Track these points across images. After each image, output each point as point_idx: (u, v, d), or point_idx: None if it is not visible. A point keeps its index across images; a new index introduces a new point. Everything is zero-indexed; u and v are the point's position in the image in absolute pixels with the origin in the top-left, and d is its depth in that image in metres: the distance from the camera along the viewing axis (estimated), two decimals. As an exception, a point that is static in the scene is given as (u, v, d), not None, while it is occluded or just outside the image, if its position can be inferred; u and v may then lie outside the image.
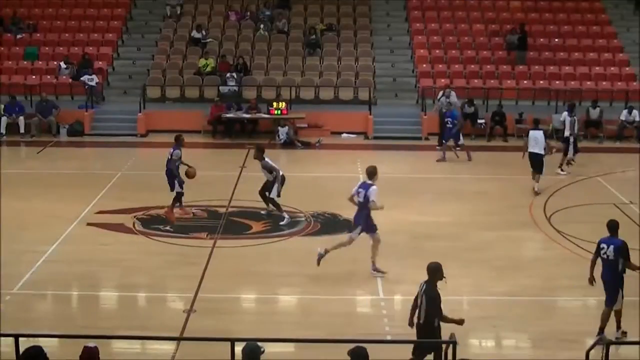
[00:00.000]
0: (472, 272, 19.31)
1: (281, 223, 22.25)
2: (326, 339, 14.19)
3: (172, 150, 22.87)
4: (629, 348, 14.94)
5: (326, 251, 18.79)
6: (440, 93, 32.10)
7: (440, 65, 37.15)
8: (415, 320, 13.65)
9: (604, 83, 36.64)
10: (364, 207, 18.84)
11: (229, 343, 11.89)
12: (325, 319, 16.66)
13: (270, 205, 22.71)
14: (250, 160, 28.58)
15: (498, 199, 25.27)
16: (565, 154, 28.18)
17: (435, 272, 13.67)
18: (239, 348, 11.07)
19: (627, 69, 37.50)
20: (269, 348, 11.40)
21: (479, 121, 33.36)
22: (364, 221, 18.88)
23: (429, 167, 29.78)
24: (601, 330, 15.67)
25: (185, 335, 15.72)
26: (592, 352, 12.98)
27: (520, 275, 19.20)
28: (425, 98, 34.02)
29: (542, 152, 25.76)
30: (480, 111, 33.68)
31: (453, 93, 31.73)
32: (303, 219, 22.81)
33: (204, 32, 38.35)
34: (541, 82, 36.48)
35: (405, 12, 40.84)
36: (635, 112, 33.54)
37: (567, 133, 28.36)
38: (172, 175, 22.71)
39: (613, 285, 15.82)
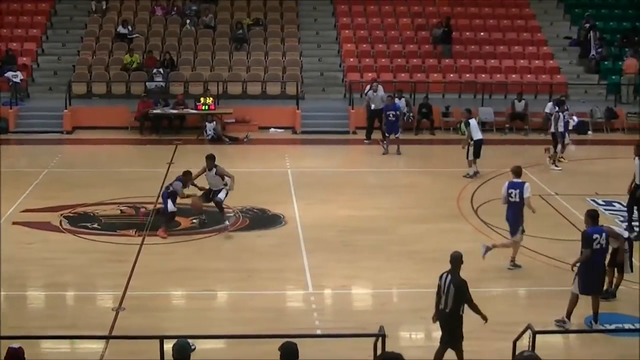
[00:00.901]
0: (401, 265, 19.46)
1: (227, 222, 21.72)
2: (257, 335, 14.19)
3: (173, 181, 21.63)
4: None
5: (494, 246, 19.20)
6: (368, 87, 32.21)
7: (367, 60, 37.28)
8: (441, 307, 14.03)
9: (528, 76, 37.11)
10: (519, 206, 19.03)
11: (158, 341, 11.83)
12: (256, 315, 16.63)
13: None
14: (178, 157, 28.56)
15: (426, 192, 25.45)
16: (556, 149, 28.71)
17: (458, 260, 14.12)
18: (168, 345, 11.01)
19: (551, 62, 38.01)
20: (199, 345, 11.37)
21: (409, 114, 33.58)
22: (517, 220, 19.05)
23: (357, 161, 29.94)
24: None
25: (114, 333, 15.60)
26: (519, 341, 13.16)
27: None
28: (352, 92, 34.10)
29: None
30: (407, 104, 33.86)
31: (380, 87, 31.86)
32: (232, 214, 22.71)
33: (130, 28, 38.03)
34: (467, 75, 36.83)
35: (332, 7, 40.90)
36: (559, 104, 33.99)
37: (552, 129, 28.72)
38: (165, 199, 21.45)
39: (604, 272, 16.25)
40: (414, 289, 18.17)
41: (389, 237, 21.16)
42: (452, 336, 13.94)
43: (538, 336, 12.77)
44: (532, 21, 40.48)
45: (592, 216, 16.21)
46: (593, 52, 38.23)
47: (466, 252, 20.06)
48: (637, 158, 21.50)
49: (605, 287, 17.53)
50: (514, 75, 37.06)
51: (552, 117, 28.88)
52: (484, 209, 23.68)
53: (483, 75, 36.85)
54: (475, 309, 13.99)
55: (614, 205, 24.13)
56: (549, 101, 34.06)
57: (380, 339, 12.33)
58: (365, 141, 31.65)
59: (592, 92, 37.05)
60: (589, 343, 15.69)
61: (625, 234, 17.68)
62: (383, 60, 37.31)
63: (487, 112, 34.06)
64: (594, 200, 24.54)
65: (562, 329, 15.94)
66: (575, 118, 34.21)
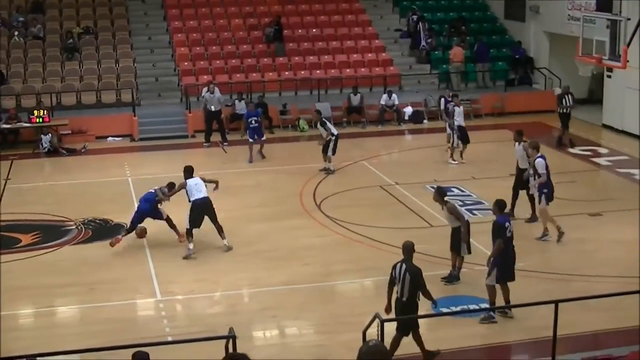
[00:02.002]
0: (249, 265, 19.50)
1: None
2: (106, 347, 13.95)
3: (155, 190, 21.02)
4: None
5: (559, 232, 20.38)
6: (205, 89, 32.08)
7: (202, 62, 37.13)
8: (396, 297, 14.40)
9: (362, 70, 37.61)
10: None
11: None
12: (105, 327, 16.42)
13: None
14: (15, 172, 27.86)
15: (268, 191, 25.54)
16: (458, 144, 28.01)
17: (410, 249, 14.38)
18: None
19: (383, 54, 38.63)
20: (48, 362, 11.15)
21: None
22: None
23: (197, 164, 29.53)
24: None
25: (-44, 359, 15.14)
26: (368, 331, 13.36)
27: (296, 264, 19.51)
28: (188, 96, 33.91)
29: None
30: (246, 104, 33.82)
31: (217, 89, 31.80)
32: (73, 227, 22.33)
33: (-46, 43, 36.88)
34: (302, 72, 37.08)
35: (163, 11, 40.54)
36: (394, 96, 34.59)
37: (459, 122, 27.78)
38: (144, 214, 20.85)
39: (514, 258, 16.48)
40: (263, 288, 18.25)
41: (234, 238, 21.11)
42: (407, 324, 14.25)
43: (387, 324, 13.01)
44: (362, 15, 41.07)
45: (500, 205, 16.51)
46: (423, 42, 39.04)
47: (312, 248, 20.51)
48: (516, 144, 22.04)
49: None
50: (348, 70, 37.52)
51: (447, 111, 29.04)
52: (327, 203, 23.94)
53: (318, 72, 37.17)
54: (428, 295, 14.44)
55: (452, 191, 24.71)
56: (384, 93, 34.71)
57: (230, 340, 12.33)
58: (204, 144, 31.51)
59: (425, 82, 37.88)
60: (435, 327, 16.06)
61: (466, 216, 18.17)
62: (218, 62, 37.22)
63: (324, 107, 34.28)
64: (433, 187, 25.02)
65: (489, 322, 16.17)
66: (410, 108, 34.96)
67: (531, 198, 21.81)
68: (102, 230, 22.07)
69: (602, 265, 18.86)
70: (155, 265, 19.47)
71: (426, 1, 42.35)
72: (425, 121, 35.00)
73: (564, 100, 30.19)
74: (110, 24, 39.22)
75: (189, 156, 30.83)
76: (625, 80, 31.80)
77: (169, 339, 15.52)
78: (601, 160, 28.67)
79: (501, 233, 15.98)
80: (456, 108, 28.03)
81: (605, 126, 33.41)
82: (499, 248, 15.95)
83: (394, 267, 14.38)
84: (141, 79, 36.36)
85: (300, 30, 39.35)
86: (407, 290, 14.15)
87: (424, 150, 30.53)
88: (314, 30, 39.54)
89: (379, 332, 12.78)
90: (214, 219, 20.34)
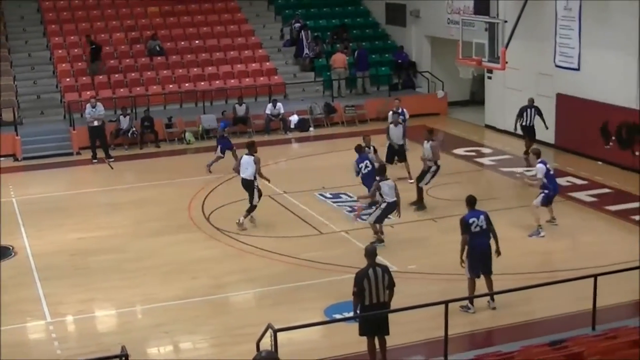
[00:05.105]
0: (139, 281, 19.31)
1: None
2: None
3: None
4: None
5: None
6: (88, 106, 31.65)
7: (84, 78, 36.60)
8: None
9: (247, 80, 37.56)
10: None
11: None
12: (-7, 352, 16.09)
13: None
14: None
15: (156, 205, 25.31)
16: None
17: (374, 252, 14.43)
18: None
19: (267, 64, 38.66)
20: None
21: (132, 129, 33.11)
22: None
23: (84, 181, 29.37)
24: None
25: None
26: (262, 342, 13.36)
27: (186, 277, 19.39)
28: (72, 112, 33.41)
29: None
30: (130, 119, 33.46)
31: (99, 104, 31.41)
32: (-43, 251, 21.81)
33: None
34: (186, 84, 36.87)
35: (42, 27, 39.89)
36: (279, 105, 34.61)
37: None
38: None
39: (491, 252, 16.87)
40: (154, 304, 18.09)
41: (123, 255, 20.92)
42: (387, 326, 14.31)
43: (281, 334, 13.02)
44: (245, 25, 41.04)
45: (469, 202, 17.10)
46: (306, 50, 39.22)
47: (202, 260, 20.43)
48: (425, 142, 22.97)
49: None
50: (232, 80, 37.42)
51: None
52: (216, 215, 23.84)
53: (202, 83, 37.01)
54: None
55: (341, 197, 24.91)
56: (269, 102, 34.74)
57: (123, 359, 12.21)
58: (93, 161, 31.04)
59: (310, 90, 38.07)
60: (329, 334, 16.12)
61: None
62: (100, 77, 36.75)
63: (209, 119, 34.23)
64: (321, 195, 25.21)
65: (467, 312, 16.72)
66: (295, 116, 35.06)
67: None
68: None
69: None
70: (44, 287, 19.09)
71: (308, 9, 42.56)
72: (311, 129, 35.15)
73: (525, 114, 28.89)
74: (-13, 41, 38.44)
75: (76, 173, 30.47)
76: (505, 81, 32.46)
77: (61, 361, 15.31)
78: (485, 160, 29.22)
79: (465, 229, 16.63)
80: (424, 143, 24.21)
81: (487, 126, 34.06)
82: (462, 243, 16.65)
83: (365, 275, 14.01)
84: (22, 97, 35.67)
85: (183, 42, 39.13)
86: (387, 291, 14.12)
87: (311, 158, 30.71)
88: (197, 41, 39.36)
89: (273, 343, 12.79)
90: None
